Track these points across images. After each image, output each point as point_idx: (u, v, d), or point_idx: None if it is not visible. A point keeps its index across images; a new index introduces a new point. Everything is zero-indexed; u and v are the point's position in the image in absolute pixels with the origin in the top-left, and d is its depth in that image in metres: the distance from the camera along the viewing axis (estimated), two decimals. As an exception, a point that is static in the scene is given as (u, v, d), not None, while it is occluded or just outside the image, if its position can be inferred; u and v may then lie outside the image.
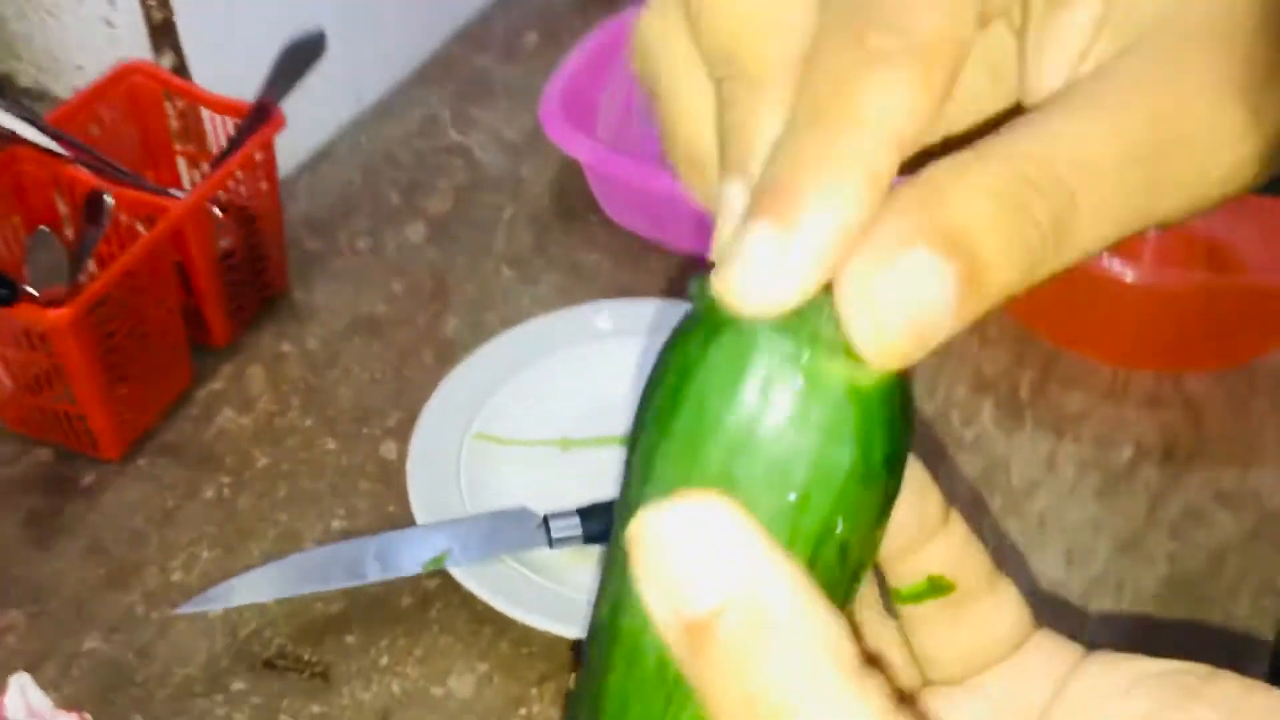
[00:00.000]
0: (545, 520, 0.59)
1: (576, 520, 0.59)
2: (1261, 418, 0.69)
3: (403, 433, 0.65)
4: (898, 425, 0.20)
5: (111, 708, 0.55)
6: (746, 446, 0.20)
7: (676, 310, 0.69)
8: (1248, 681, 0.22)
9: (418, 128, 0.86)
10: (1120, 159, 0.20)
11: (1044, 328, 0.72)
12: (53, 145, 0.62)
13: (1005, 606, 0.25)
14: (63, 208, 0.66)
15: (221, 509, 0.63)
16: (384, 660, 0.57)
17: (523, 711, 0.55)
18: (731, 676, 0.18)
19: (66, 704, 0.54)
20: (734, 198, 0.21)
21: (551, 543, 0.59)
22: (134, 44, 0.70)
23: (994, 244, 0.18)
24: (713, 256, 0.21)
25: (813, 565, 0.20)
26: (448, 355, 0.70)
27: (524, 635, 0.57)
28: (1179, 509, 0.64)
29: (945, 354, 0.70)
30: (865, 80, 0.19)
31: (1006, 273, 0.19)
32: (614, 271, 0.76)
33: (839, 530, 0.20)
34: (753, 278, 0.19)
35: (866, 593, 0.26)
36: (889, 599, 0.26)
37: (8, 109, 0.63)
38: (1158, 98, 0.20)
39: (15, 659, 0.56)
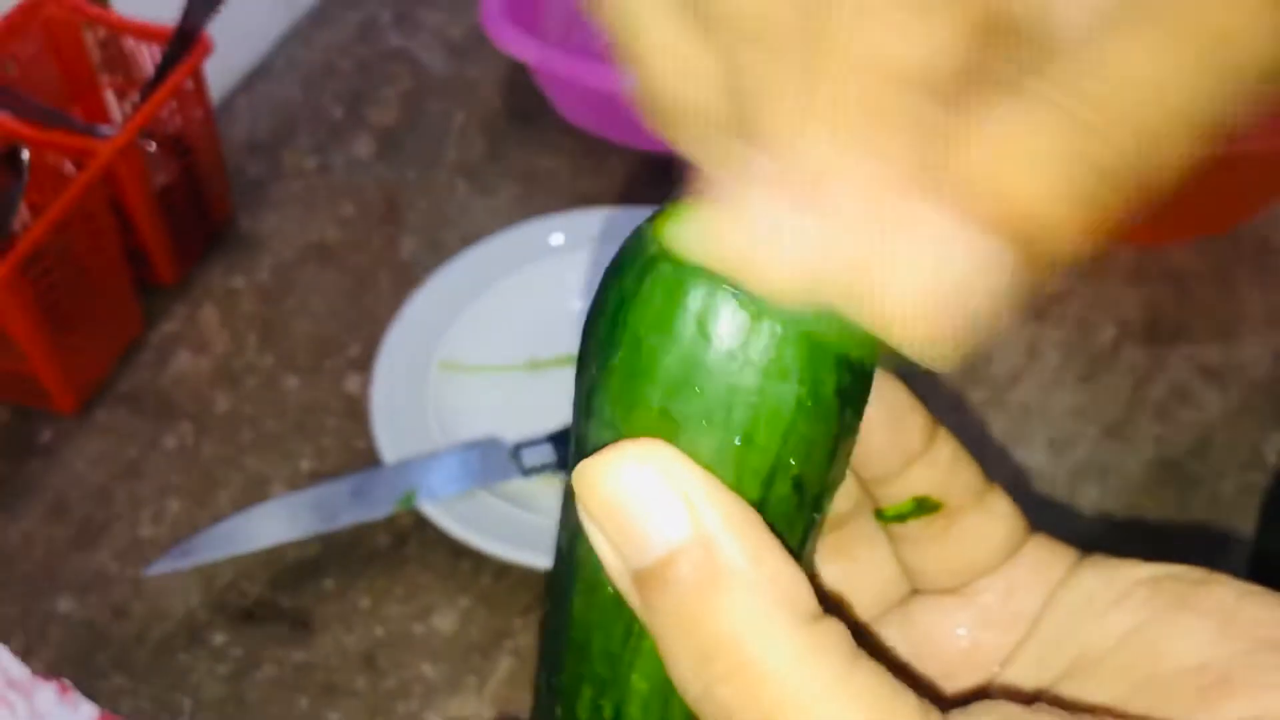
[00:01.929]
0: (517, 449, 0.58)
1: (549, 447, 0.58)
2: (1245, 286, 0.67)
3: (365, 364, 0.63)
4: (853, 356, 0.19)
5: (91, 670, 0.54)
6: (684, 386, 0.19)
7: (636, 218, 0.66)
8: (1242, 587, 0.22)
9: (357, 33, 0.82)
10: (1183, 60, 0.16)
11: (1020, 207, 0.70)
12: (-35, 91, 0.59)
13: (996, 519, 0.24)
14: (-15, 155, 0.63)
15: (185, 458, 0.62)
16: (364, 602, 0.56)
17: (508, 644, 0.55)
18: (684, 628, 0.18)
19: (44, 670, 0.53)
20: (727, 152, 0.19)
21: (525, 471, 0.58)
22: (43, -30, 0.66)
23: (1055, 212, 0.16)
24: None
25: (764, 503, 0.19)
26: (406, 278, 0.67)
27: (503, 567, 0.56)
28: (1164, 389, 0.63)
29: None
30: (883, 21, 0.16)
31: (1073, 233, 0.17)
32: (574, 176, 0.73)
33: (792, 465, 0.19)
34: (772, 258, 0.17)
35: (860, 500, 0.25)
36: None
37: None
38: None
39: (-12, 629, 0.55)
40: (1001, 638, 0.24)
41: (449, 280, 0.65)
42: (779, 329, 0.18)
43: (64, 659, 0.55)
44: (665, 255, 0.19)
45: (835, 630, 0.18)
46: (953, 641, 0.25)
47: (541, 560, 0.54)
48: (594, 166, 0.73)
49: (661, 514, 0.18)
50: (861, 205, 0.17)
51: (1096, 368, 0.63)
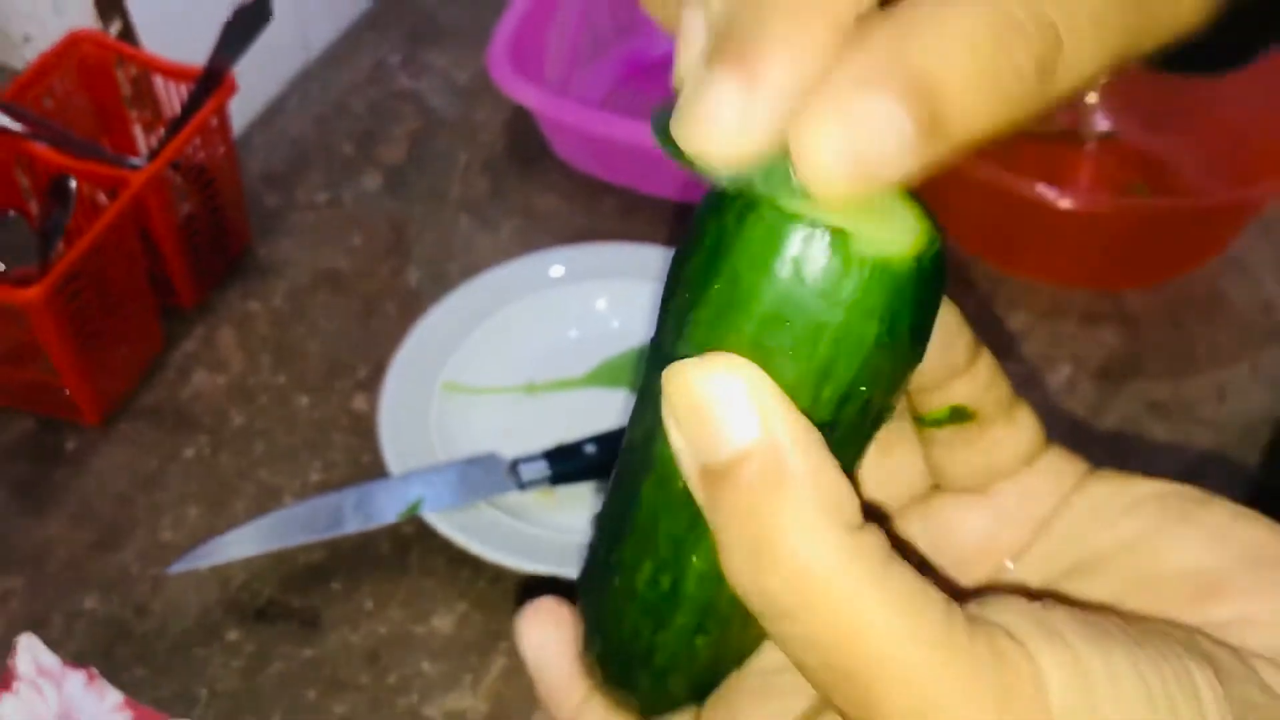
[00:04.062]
0: (514, 464, 0.62)
1: (544, 463, 0.62)
2: (1193, 328, 0.72)
3: (372, 385, 0.68)
4: (926, 297, 0.21)
5: (114, 662, 0.58)
6: (776, 320, 0.21)
7: (630, 254, 0.71)
8: (1237, 509, 0.24)
9: (367, 75, 0.87)
10: (1116, 7, 0.19)
11: (986, 252, 0.75)
12: (10, 124, 0.63)
13: (1020, 430, 0.26)
14: (24, 182, 0.67)
15: (203, 468, 0.66)
16: (368, 604, 0.60)
17: (502, 645, 0.59)
18: (742, 521, 0.20)
19: (72, 660, 0.57)
20: (693, 28, 0.21)
21: (521, 485, 0.62)
22: (80, 13, 0.71)
23: (965, 91, 0.18)
24: (674, 86, 0.21)
25: (835, 423, 0.22)
26: (411, 306, 0.72)
27: (499, 573, 0.61)
28: (1114, 422, 0.67)
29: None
30: None
31: (976, 119, 0.19)
32: (570, 214, 0.78)
33: (863, 392, 0.21)
34: (715, 130, 0.19)
35: (902, 404, 0.27)
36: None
37: (-38, 89, 0.63)
38: None
39: (19, 622, 0.59)
40: (1015, 535, 0.26)
41: (452, 308, 0.70)
42: (866, 274, 0.20)
43: (89, 652, 0.59)
44: (764, 199, 0.20)
45: (875, 536, 0.20)
46: (970, 535, 0.27)
47: (536, 568, 0.59)
48: (589, 205, 0.78)
49: (738, 419, 0.20)
50: (793, 73, 0.18)
51: (1053, 401, 0.68)
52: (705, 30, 0.20)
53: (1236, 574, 0.23)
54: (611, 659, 0.26)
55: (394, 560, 0.62)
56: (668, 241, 0.74)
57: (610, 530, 0.25)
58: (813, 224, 0.20)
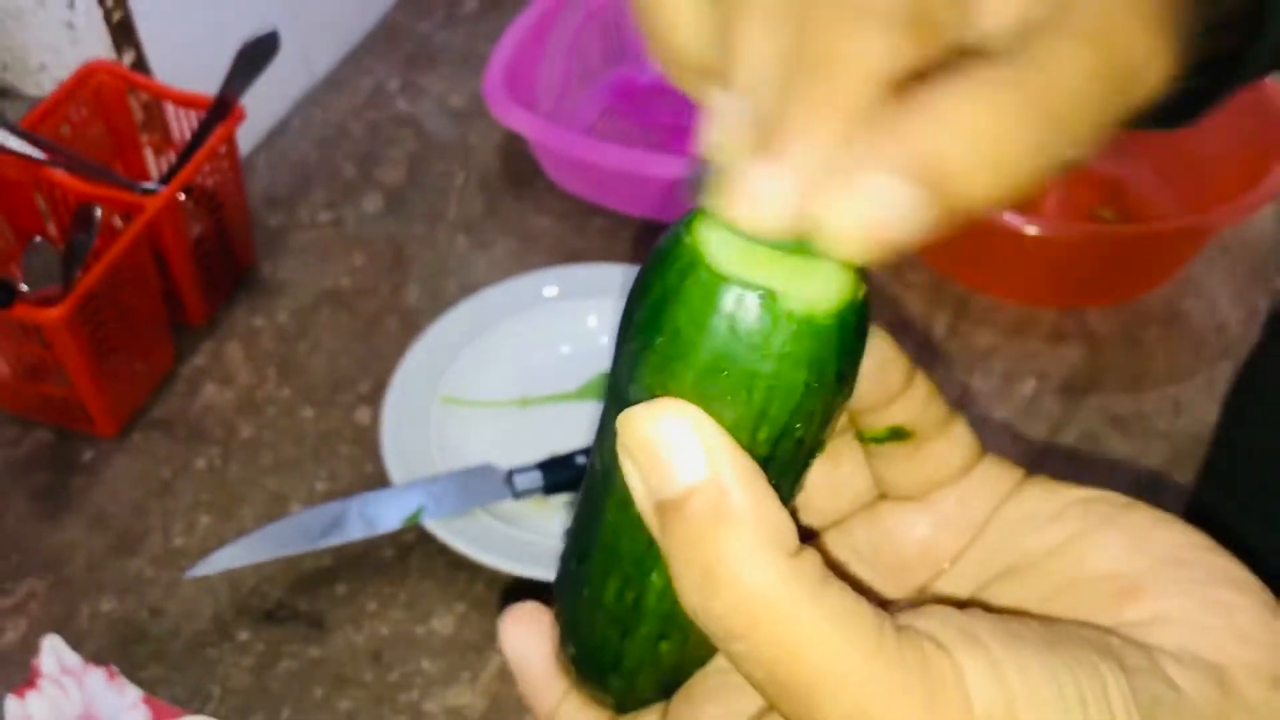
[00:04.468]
0: (509, 474, 0.66)
1: (538, 474, 0.66)
2: (1151, 347, 0.76)
3: (374, 398, 0.72)
4: (850, 346, 0.23)
5: (132, 661, 0.62)
6: (714, 371, 0.23)
7: (619, 274, 0.75)
8: (1159, 514, 0.26)
9: (367, 98, 0.91)
10: (1098, 88, 0.22)
11: (957, 274, 0.79)
12: (31, 151, 0.67)
13: (956, 444, 0.28)
14: (43, 206, 0.71)
15: (213, 478, 0.69)
16: (372, 606, 0.64)
17: (499, 645, 0.63)
18: (691, 551, 0.22)
19: (92, 659, 0.61)
20: (725, 109, 0.23)
21: (516, 494, 0.66)
22: (95, 43, 0.74)
23: (966, 170, 0.21)
24: (705, 155, 0.23)
25: (771, 458, 0.24)
26: (411, 323, 0.76)
27: (495, 577, 0.64)
28: (1076, 435, 0.71)
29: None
30: (863, 38, 0.21)
31: (977, 192, 0.21)
32: (562, 234, 0.82)
33: (796, 430, 0.24)
34: (751, 206, 0.21)
35: (844, 424, 0.29)
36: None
37: (-12, 120, 0.67)
38: (1120, 23, 0.22)
39: (41, 622, 0.63)
40: (953, 540, 0.28)
41: (450, 325, 0.73)
42: (793, 329, 0.22)
43: (108, 650, 0.62)
44: (701, 262, 0.23)
45: (811, 560, 0.22)
46: (911, 541, 0.29)
47: (530, 572, 0.62)
48: (580, 226, 0.82)
49: (686, 458, 0.22)
50: (820, 158, 0.21)
51: (1017, 415, 0.72)
52: (737, 112, 0.22)
53: (1153, 576, 0.25)
54: (584, 661, 0.29)
55: (396, 565, 0.65)
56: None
57: (579, 544, 0.28)
58: (745, 284, 0.22)
